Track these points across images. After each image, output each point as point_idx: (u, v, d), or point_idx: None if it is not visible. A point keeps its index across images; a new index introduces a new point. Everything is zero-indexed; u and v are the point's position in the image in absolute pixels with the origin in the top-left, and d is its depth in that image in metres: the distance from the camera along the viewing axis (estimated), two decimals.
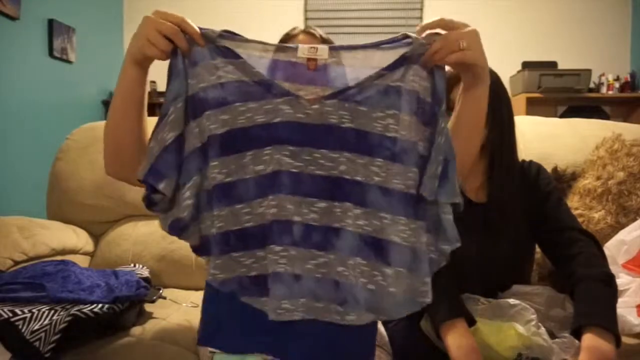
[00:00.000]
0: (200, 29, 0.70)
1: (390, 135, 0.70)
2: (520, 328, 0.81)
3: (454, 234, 0.71)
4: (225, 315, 0.75)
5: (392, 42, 0.71)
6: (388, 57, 0.71)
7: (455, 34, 0.69)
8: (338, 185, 0.71)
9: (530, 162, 1.08)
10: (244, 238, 0.72)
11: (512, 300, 0.86)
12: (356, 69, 0.72)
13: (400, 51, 0.71)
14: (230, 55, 0.71)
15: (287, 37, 1.01)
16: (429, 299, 0.70)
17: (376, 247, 0.70)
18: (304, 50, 0.71)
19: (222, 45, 0.71)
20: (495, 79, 0.99)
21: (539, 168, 1.07)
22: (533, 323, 0.82)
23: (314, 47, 0.71)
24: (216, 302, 0.75)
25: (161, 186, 0.69)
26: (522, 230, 1.01)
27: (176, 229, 0.71)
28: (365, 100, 0.71)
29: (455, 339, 0.79)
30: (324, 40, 0.99)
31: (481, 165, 1.04)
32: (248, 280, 0.72)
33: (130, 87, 0.75)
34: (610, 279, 0.87)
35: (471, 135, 0.80)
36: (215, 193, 0.71)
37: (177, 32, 0.69)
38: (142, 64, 0.73)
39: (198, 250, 0.74)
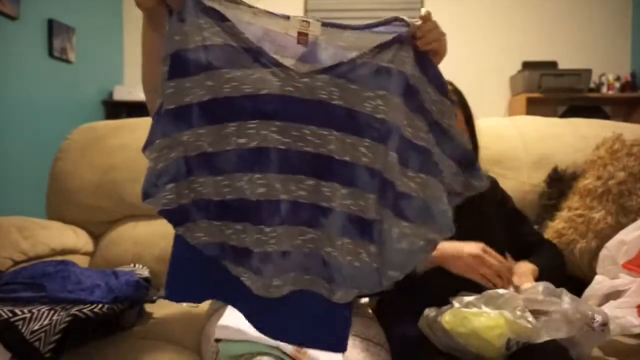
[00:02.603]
0: None
1: (378, 116, 0.69)
2: (508, 314, 0.82)
3: (447, 223, 0.71)
4: (199, 272, 0.73)
5: (384, 25, 0.71)
6: (380, 39, 0.70)
7: (436, 24, 0.72)
8: (326, 164, 0.69)
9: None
10: (223, 210, 0.71)
11: (500, 290, 0.87)
12: (346, 49, 0.71)
13: (393, 34, 0.70)
14: (218, 17, 0.68)
15: None
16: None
17: (362, 226, 0.70)
18: (295, 22, 0.69)
19: (210, 6, 0.68)
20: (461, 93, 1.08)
21: (494, 180, 1.20)
22: (519, 308, 0.82)
23: (306, 21, 0.70)
24: (189, 262, 0.73)
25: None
26: (498, 230, 1.09)
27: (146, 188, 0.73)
28: (356, 79, 0.69)
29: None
30: None
31: None
32: (230, 248, 0.71)
33: (150, 46, 0.78)
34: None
35: None
36: (197, 161, 0.70)
37: None
38: (150, 21, 0.74)
39: (173, 216, 0.72)
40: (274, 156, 0.69)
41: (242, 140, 0.69)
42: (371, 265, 0.70)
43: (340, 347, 0.73)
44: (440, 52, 0.73)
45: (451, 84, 1.08)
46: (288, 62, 0.70)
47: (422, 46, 0.70)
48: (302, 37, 0.70)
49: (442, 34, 0.72)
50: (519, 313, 0.82)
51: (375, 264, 0.70)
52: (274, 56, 0.69)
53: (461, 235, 1.03)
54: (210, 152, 0.70)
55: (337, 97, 0.69)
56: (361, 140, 0.69)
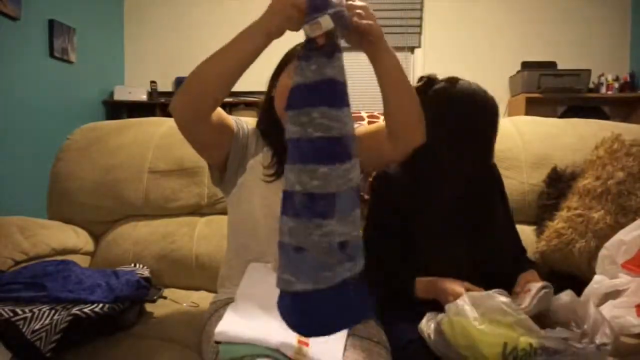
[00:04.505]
0: None
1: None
2: (510, 332, 0.81)
3: None
4: None
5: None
6: None
7: (350, 6, 0.76)
8: (336, 145, 0.69)
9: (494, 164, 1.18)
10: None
11: (502, 299, 0.86)
12: None
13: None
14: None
15: (292, 57, 1.02)
16: None
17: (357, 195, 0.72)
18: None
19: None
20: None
21: (497, 169, 1.19)
22: (521, 325, 0.82)
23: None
24: None
25: None
26: (505, 229, 1.09)
27: None
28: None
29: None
30: None
31: None
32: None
33: (250, 56, 0.80)
34: None
35: (400, 87, 0.89)
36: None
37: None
38: (273, 36, 0.78)
39: None
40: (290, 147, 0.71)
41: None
42: None
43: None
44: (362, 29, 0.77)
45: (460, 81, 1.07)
46: None
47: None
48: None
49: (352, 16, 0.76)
50: (521, 331, 0.81)
51: None
52: None
53: (467, 228, 1.04)
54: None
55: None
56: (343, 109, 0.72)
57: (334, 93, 0.70)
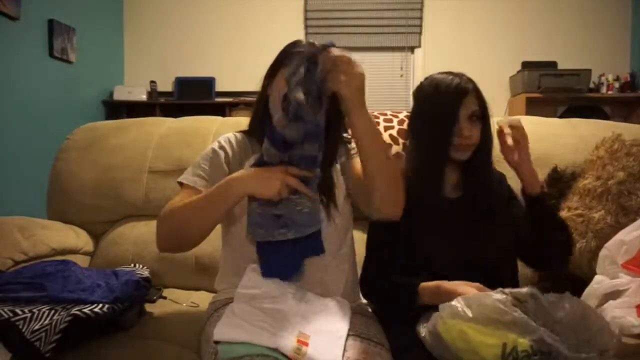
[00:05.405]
0: None
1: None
2: (510, 335, 0.80)
3: None
4: None
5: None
6: None
7: (339, 70, 0.84)
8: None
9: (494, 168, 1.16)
10: None
11: (497, 296, 0.85)
12: None
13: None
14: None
15: (286, 56, 1.01)
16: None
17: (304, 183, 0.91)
18: None
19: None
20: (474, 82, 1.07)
21: (503, 176, 1.17)
22: (521, 328, 0.81)
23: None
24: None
25: None
26: (505, 232, 1.06)
27: None
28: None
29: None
30: None
31: (457, 163, 1.07)
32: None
33: (232, 206, 0.90)
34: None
35: (369, 156, 0.92)
36: None
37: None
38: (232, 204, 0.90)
39: None
40: None
41: None
42: (313, 208, 0.94)
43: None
44: (337, 89, 0.85)
45: (463, 75, 1.06)
46: None
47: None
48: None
49: (339, 77, 0.84)
50: (518, 330, 0.80)
51: (315, 208, 0.94)
52: None
53: (467, 230, 1.03)
54: None
55: None
56: None
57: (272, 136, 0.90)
